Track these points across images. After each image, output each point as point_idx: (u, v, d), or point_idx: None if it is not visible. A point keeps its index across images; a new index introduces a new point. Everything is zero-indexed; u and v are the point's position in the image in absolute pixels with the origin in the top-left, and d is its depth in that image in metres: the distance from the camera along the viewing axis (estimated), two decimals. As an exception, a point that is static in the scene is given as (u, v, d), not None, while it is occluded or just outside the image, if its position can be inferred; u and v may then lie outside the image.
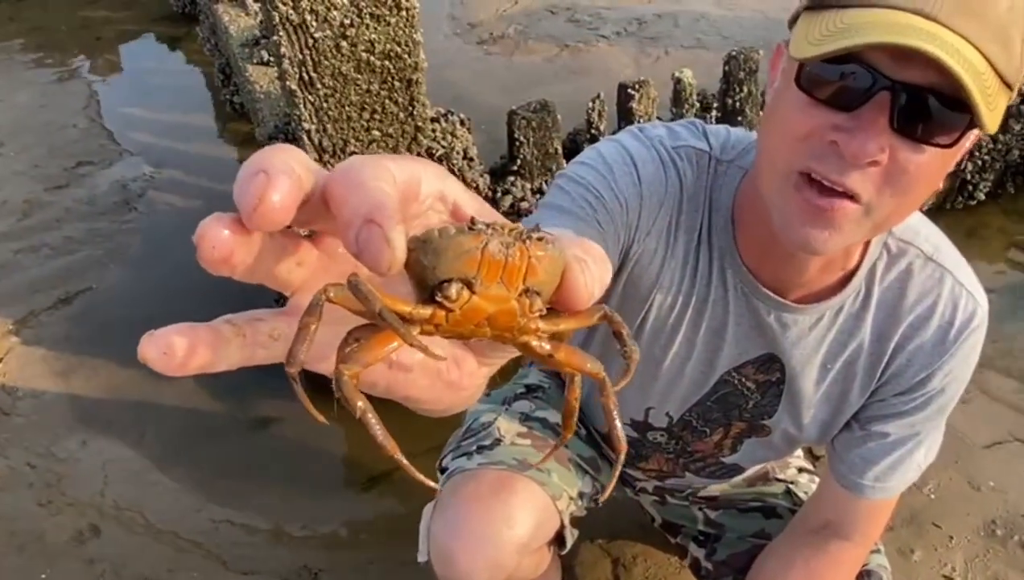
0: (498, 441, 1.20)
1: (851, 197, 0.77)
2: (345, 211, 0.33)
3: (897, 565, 1.70)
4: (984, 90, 0.70)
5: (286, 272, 0.37)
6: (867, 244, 0.97)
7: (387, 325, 0.35)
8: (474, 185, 2.14)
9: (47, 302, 2.51)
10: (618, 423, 0.46)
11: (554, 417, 1.27)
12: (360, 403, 0.35)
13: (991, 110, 0.72)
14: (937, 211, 2.63)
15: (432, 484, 0.38)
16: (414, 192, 0.36)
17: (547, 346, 0.41)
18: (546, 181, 2.25)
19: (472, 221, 0.36)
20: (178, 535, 1.81)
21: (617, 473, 0.50)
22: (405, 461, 0.36)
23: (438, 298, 0.36)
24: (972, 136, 0.78)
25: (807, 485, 1.36)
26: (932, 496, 1.86)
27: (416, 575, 1.19)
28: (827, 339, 1.02)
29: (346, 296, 0.35)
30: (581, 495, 1.25)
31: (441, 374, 0.42)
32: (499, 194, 2.23)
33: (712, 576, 1.33)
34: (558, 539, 1.24)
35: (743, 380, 1.09)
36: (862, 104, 0.73)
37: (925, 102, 0.72)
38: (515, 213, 2.20)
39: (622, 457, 0.47)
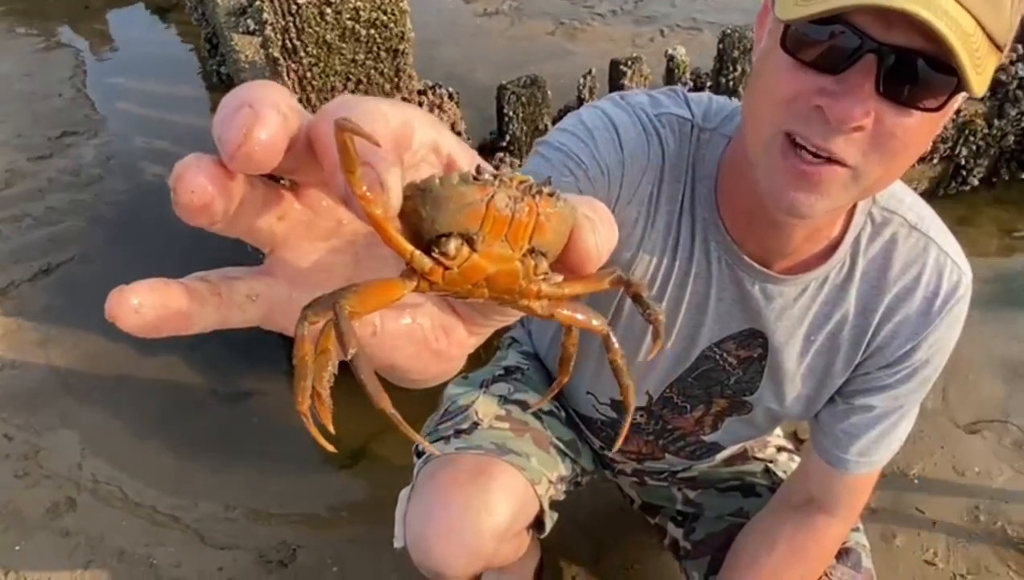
0: (476, 425, 1.18)
1: (838, 161, 0.76)
2: (334, 153, 0.30)
3: (879, 549, 1.69)
4: (972, 53, 0.68)
5: (266, 226, 0.34)
6: (851, 213, 0.95)
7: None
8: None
9: (28, 273, 2.48)
10: (628, 378, 0.44)
11: (533, 399, 1.25)
12: (355, 343, 0.32)
13: (979, 73, 0.70)
14: (930, 197, 2.61)
15: (424, 443, 0.35)
16: (407, 140, 0.33)
17: (548, 307, 0.38)
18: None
19: (478, 170, 0.33)
20: (155, 509, 1.79)
21: (627, 425, 0.47)
22: (398, 416, 0.33)
23: (434, 254, 0.33)
24: (959, 99, 0.75)
25: (786, 464, 1.34)
26: (916, 481, 1.85)
27: (395, 554, 1.18)
28: (811, 310, 1.00)
29: (325, 312, 0.32)
30: (561, 479, 1.23)
31: (429, 343, 0.39)
32: (487, 170, 2.19)
33: (691, 556, 1.31)
34: (537, 523, 1.22)
35: (724, 355, 1.07)
36: (848, 67, 0.71)
37: (912, 65, 0.70)
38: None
39: (631, 410, 0.45)
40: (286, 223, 0.35)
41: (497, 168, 2.25)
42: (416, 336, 0.39)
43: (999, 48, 0.71)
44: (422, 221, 0.33)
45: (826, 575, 1.16)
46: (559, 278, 0.37)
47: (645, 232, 0.97)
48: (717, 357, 1.07)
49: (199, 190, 0.29)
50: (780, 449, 1.37)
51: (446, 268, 0.33)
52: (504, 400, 1.23)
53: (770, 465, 1.33)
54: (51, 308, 2.35)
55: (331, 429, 0.34)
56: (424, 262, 0.33)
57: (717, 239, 0.97)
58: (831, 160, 0.76)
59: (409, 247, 0.33)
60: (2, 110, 3.36)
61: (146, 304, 0.30)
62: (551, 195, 0.34)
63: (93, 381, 2.12)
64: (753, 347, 1.04)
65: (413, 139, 0.34)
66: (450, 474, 1.11)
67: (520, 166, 2.21)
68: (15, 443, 1.93)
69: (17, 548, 1.66)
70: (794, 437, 1.82)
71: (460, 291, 0.34)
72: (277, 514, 1.79)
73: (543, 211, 0.33)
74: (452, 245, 0.33)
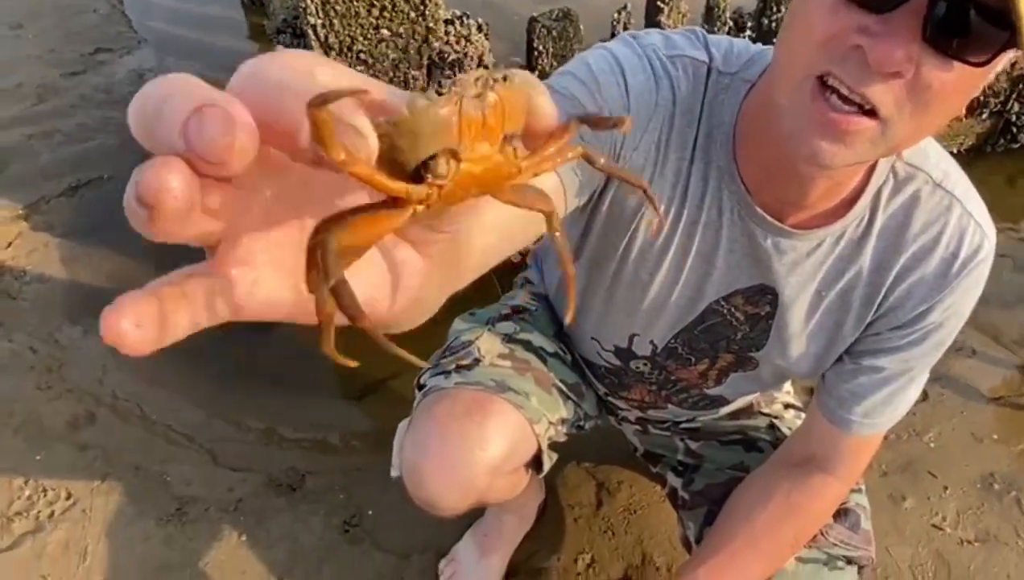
0: (477, 361, 1.17)
1: (868, 112, 0.71)
2: (284, 116, 0.29)
3: (886, 510, 1.68)
4: None
5: (206, 222, 0.31)
6: (873, 167, 0.91)
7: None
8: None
9: (58, 189, 2.50)
10: (567, 254, 0.44)
11: (539, 340, 1.23)
12: (338, 272, 0.31)
13: None
14: (976, 153, 2.50)
15: (418, 361, 0.34)
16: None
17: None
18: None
19: (439, 86, 0.34)
20: (171, 428, 1.83)
21: (572, 297, 0.46)
22: (380, 334, 0.32)
23: (428, 180, 0.33)
24: (1005, 58, 0.70)
25: (791, 421, 1.32)
26: (932, 445, 1.82)
27: (399, 484, 1.19)
28: (824, 266, 0.97)
29: (341, 232, 0.32)
30: (563, 421, 1.23)
31: (392, 284, 0.39)
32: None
33: (688, 506, 1.31)
34: (536, 462, 1.22)
35: (732, 310, 1.04)
36: (895, 7, 0.66)
37: (964, 12, 0.65)
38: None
39: (571, 270, 0.44)
40: (223, 214, 0.32)
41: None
42: (378, 279, 0.38)
43: None
44: (403, 153, 0.32)
45: (822, 534, 1.15)
46: (529, 153, 0.37)
47: (653, 179, 0.93)
48: (724, 311, 1.04)
49: (182, 195, 0.27)
50: (787, 406, 1.35)
51: (441, 186, 0.33)
52: (508, 338, 1.21)
53: (775, 421, 1.31)
54: (79, 225, 2.38)
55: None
56: (420, 191, 0.33)
57: (731, 188, 0.93)
58: (862, 110, 0.72)
59: (403, 186, 0.33)
60: (36, 25, 3.36)
61: (143, 317, 0.29)
62: (505, 79, 0.34)
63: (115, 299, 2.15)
64: (762, 303, 1.01)
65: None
66: (447, 408, 1.11)
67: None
68: (39, 356, 1.98)
69: (37, 458, 1.72)
70: (809, 392, 1.80)
71: (454, 200, 0.35)
72: (289, 439, 1.82)
73: (504, 98, 0.33)
74: (441, 164, 0.33)
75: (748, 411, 1.31)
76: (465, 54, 1.98)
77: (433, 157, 0.32)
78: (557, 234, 0.42)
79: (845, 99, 0.72)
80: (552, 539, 1.62)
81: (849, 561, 1.16)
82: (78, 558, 1.55)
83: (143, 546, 1.59)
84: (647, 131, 0.90)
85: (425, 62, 1.90)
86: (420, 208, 0.34)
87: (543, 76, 2.16)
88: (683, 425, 1.32)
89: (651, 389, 1.21)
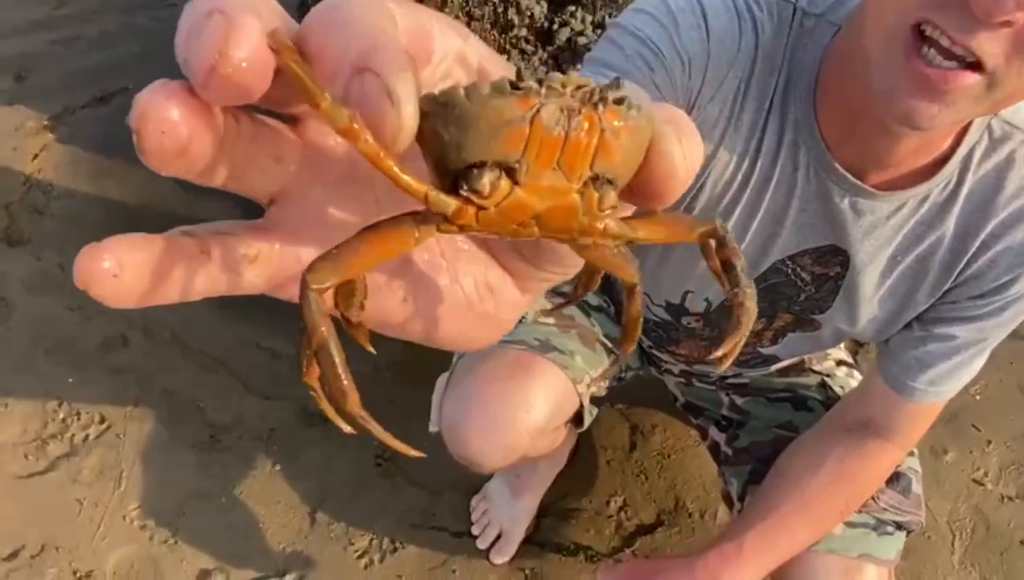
0: (521, 319, 1.12)
1: (970, 65, 0.63)
2: (325, 63, 0.22)
3: (927, 463, 1.63)
4: None
5: (260, 172, 0.27)
6: (968, 124, 0.82)
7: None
8: (528, 12, 1.94)
9: (83, 99, 2.43)
10: (637, 333, 0.37)
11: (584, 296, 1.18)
12: (323, 330, 0.25)
13: None
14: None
15: (411, 452, 0.30)
16: (425, 49, 0.25)
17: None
18: (610, 14, 2.03)
19: (519, 73, 0.24)
20: (204, 353, 1.82)
21: (617, 365, 0.41)
22: (370, 420, 0.27)
23: (463, 191, 0.25)
24: None
25: (844, 379, 1.27)
26: (977, 397, 1.77)
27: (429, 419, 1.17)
28: (903, 230, 0.90)
29: (335, 266, 0.25)
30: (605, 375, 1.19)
31: (472, 306, 0.32)
32: (555, 25, 2.02)
33: (731, 462, 1.27)
34: (576, 417, 1.19)
35: (797, 270, 0.97)
36: None
37: None
38: (571, 49, 2.00)
39: (623, 357, 0.38)
40: (285, 166, 0.27)
41: (565, 23, 2.09)
42: (456, 300, 0.32)
43: None
44: (446, 147, 0.25)
45: (872, 499, 1.11)
46: (629, 211, 0.29)
47: (726, 132, 0.85)
48: (788, 271, 0.98)
49: (171, 131, 0.22)
50: (840, 363, 1.29)
51: (480, 208, 0.25)
52: (553, 293, 1.16)
53: (827, 379, 1.25)
54: (106, 138, 2.32)
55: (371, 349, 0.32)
56: (447, 203, 0.25)
57: (808, 143, 0.85)
58: (963, 63, 0.64)
59: (423, 187, 0.25)
60: (56, -79, 3.21)
61: (126, 265, 0.24)
62: (620, 102, 0.25)
63: (146, 218, 2.11)
64: (831, 265, 0.95)
65: (433, 49, 0.25)
66: (490, 368, 1.07)
67: (591, 22, 2.03)
68: (69, 275, 1.94)
69: (70, 380, 1.71)
70: (855, 344, 1.74)
71: (501, 232, 0.27)
72: (320, 369, 1.80)
73: (609, 125, 0.25)
74: (486, 180, 0.25)
75: (799, 368, 1.26)
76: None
77: (481, 165, 0.25)
78: (635, 306, 0.35)
79: (946, 52, 0.64)
80: (584, 481, 1.61)
81: (899, 526, 1.13)
82: (113, 483, 1.56)
83: (178, 472, 1.59)
84: (727, 79, 0.82)
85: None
86: (450, 227, 0.26)
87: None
88: (729, 380, 1.28)
89: (701, 345, 1.16)
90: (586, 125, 0.24)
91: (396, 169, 0.24)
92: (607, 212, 0.27)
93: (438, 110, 0.24)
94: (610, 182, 0.26)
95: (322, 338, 0.25)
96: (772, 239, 0.94)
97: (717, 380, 1.29)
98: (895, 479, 1.13)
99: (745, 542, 1.05)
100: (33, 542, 1.47)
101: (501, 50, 1.92)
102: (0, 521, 1.49)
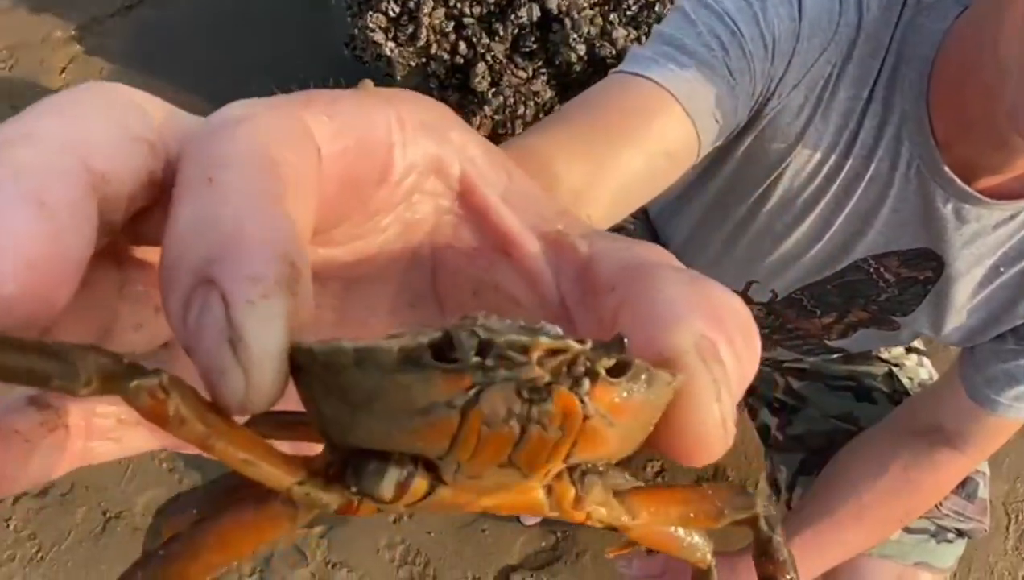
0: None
1: None
2: (163, 251, 0.15)
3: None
4: None
5: (131, 330, 0.20)
6: None
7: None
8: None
9: (110, 8, 2.32)
10: None
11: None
12: None
13: None
14: None
15: None
16: (379, 163, 0.18)
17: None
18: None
19: (449, 337, 0.15)
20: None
21: None
22: None
23: (352, 490, 0.17)
24: None
25: (914, 369, 1.17)
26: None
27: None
28: (1010, 242, 0.80)
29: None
30: None
31: None
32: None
33: (782, 447, 1.20)
34: None
35: (881, 270, 0.87)
36: None
37: None
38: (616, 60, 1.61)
39: None
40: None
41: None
42: None
43: None
44: (327, 422, 0.17)
45: (936, 506, 1.04)
46: (629, 485, 0.21)
47: (810, 123, 0.73)
48: (871, 270, 0.87)
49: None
50: (910, 350, 1.19)
51: (380, 504, 0.17)
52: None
53: (895, 369, 1.15)
54: (133, 51, 2.22)
55: None
56: (327, 498, 0.17)
57: (915, 139, 0.73)
58: None
59: (287, 480, 0.17)
60: None
61: None
62: (619, 371, 0.16)
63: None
64: (922, 269, 0.84)
65: (391, 162, 0.18)
66: None
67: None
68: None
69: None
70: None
71: (424, 511, 0.19)
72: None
73: (598, 410, 0.16)
74: (389, 482, 0.17)
75: (864, 354, 1.16)
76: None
77: (384, 459, 0.17)
78: None
79: None
80: (622, 443, 1.56)
81: (960, 533, 1.06)
82: (144, 424, 1.55)
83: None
84: (817, 64, 0.70)
85: None
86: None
87: None
88: (786, 364, 1.19)
89: (762, 333, 1.07)
90: (558, 415, 0.15)
91: (240, 457, 0.16)
92: (589, 501, 0.19)
93: (322, 366, 0.15)
94: (598, 473, 0.19)
95: None
96: (856, 237, 0.83)
97: (772, 362, 1.20)
98: (961, 484, 1.05)
99: (792, 546, 0.98)
100: (63, 481, 1.47)
101: None
102: (32, 457, 1.49)
